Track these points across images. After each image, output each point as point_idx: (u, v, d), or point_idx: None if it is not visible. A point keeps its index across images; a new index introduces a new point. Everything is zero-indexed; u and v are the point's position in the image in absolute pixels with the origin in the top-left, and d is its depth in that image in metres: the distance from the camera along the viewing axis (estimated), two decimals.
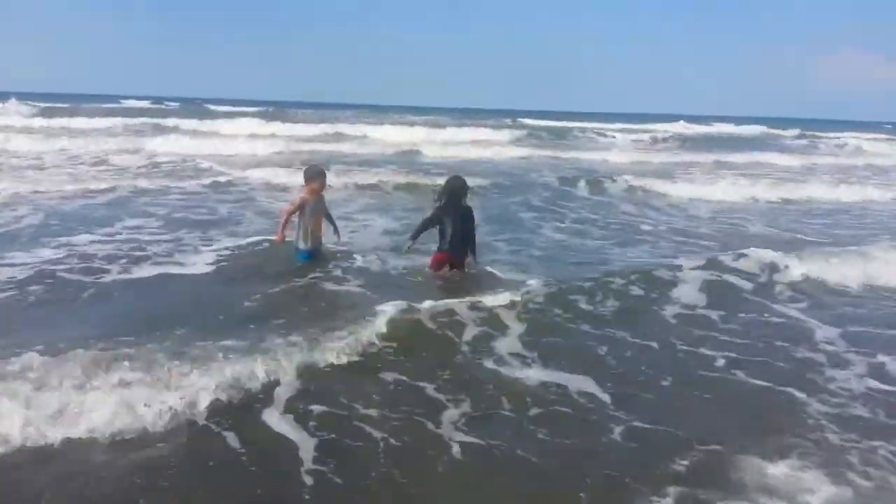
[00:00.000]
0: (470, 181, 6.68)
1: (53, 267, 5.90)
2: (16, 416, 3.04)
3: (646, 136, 33.47)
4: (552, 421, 3.56)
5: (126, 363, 3.56)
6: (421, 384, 3.83)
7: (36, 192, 9.83)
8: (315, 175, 6.10)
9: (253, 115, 34.58)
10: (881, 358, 4.56)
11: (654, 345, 4.65)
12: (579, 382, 3.99)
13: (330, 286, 5.62)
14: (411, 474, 3.02)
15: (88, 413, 3.15)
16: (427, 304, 4.79)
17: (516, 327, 4.81)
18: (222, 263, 6.25)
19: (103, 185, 10.65)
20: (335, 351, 4.01)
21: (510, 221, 9.41)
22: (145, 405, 3.20)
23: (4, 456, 2.91)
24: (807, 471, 3.06)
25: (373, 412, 3.48)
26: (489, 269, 6.31)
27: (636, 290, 5.74)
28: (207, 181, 11.58)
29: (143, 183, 10.99)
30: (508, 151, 21.61)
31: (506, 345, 4.51)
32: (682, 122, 54.19)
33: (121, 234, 7.54)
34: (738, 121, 66.81)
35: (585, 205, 11.31)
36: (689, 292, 5.73)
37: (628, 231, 9.31)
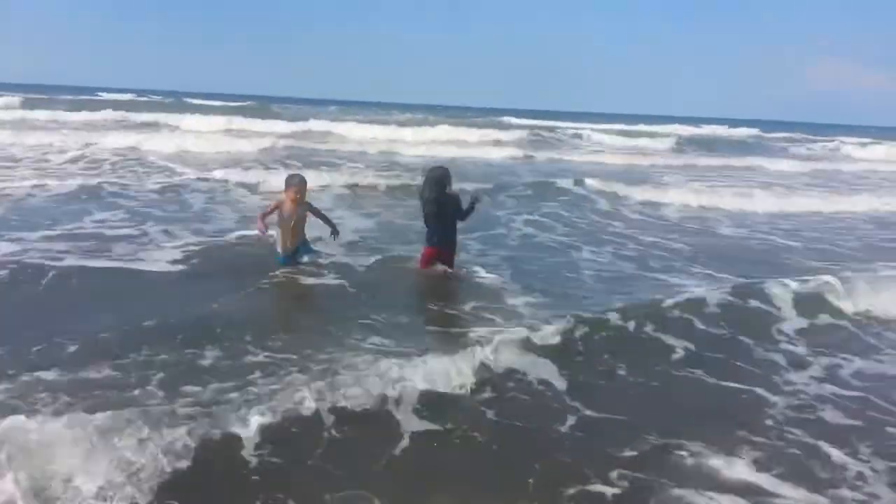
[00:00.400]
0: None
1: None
2: None
3: (643, 140, 32.59)
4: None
5: None
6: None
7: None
8: (292, 183, 6.13)
9: (232, 110, 34.01)
10: None
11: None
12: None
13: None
14: None
15: None
16: None
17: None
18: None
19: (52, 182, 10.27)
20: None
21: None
22: None
23: None
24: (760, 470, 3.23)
25: None
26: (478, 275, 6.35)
27: (716, 318, 5.34)
28: (156, 184, 10.89)
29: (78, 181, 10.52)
30: (494, 152, 21.49)
31: None
32: (675, 124, 54.16)
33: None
34: (731, 123, 67.46)
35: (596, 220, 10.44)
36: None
37: (652, 250, 8.28)
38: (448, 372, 3.89)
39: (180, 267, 6.10)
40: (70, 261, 5.99)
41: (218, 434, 3.08)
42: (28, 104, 31.26)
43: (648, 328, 4.93)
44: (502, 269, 6.65)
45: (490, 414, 3.64)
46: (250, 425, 3.15)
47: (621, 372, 4.33)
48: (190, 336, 4.36)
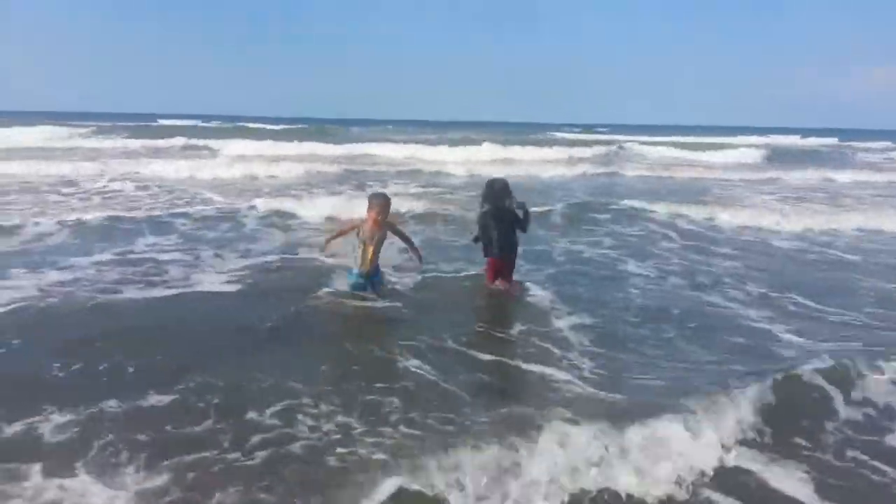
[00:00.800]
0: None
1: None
2: None
3: (716, 153, 31.32)
4: None
5: None
6: None
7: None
8: (375, 202, 5.94)
9: (286, 134, 35.31)
10: None
11: None
12: None
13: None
14: None
15: None
16: None
17: None
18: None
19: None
20: None
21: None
22: None
23: None
24: None
25: None
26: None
27: None
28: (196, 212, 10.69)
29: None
30: (561, 169, 21.02)
31: None
32: (740, 135, 52.93)
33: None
34: (802, 132, 65.86)
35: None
36: None
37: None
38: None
39: (232, 293, 6.25)
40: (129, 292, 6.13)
41: None
42: (100, 131, 34.04)
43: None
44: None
45: None
46: None
47: None
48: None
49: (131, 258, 7.43)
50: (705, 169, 23.56)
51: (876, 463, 3.51)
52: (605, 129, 72.32)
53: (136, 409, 3.74)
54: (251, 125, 51.05)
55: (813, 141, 50.18)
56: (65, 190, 13.45)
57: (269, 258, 7.64)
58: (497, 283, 6.38)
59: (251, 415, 3.68)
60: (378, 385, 4.16)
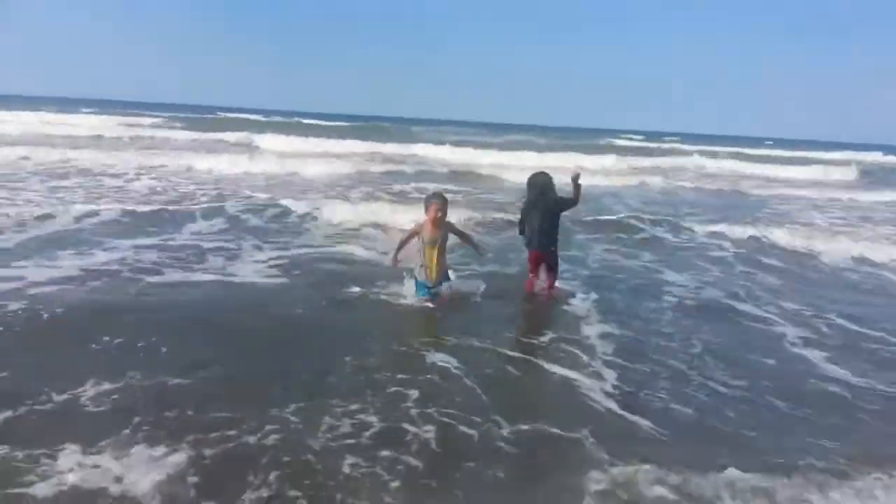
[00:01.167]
0: None
1: None
2: None
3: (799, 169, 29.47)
4: None
5: None
6: None
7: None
8: (433, 201, 5.94)
9: (339, 131, 35.95)
10: None
11: None
12: None
13: None
14: None
15: None
16: None
17: None
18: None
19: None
20: None
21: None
22: None
23: None
24: None
25: None
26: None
27: None
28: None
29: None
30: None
31: None
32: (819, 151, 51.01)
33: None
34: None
35: None
36: None
37: None
38: None
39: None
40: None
41: None
42: (163, 123, 35.78)
43: None
44: None
45: None
46: None
47: None
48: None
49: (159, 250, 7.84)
50: (799, 187, 21.84)
51: None
52: (675, 138, 70.43)
53: (163, 388, 4.01)
54: (307, 121, 52.26)
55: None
56: (110, 181, 14.04)
57: (300, 252, 7.93)
58: (539, 281, 6.57)
59: (272, 407, 3.86)
60: (400, 381, 4.32)
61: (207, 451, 3.31)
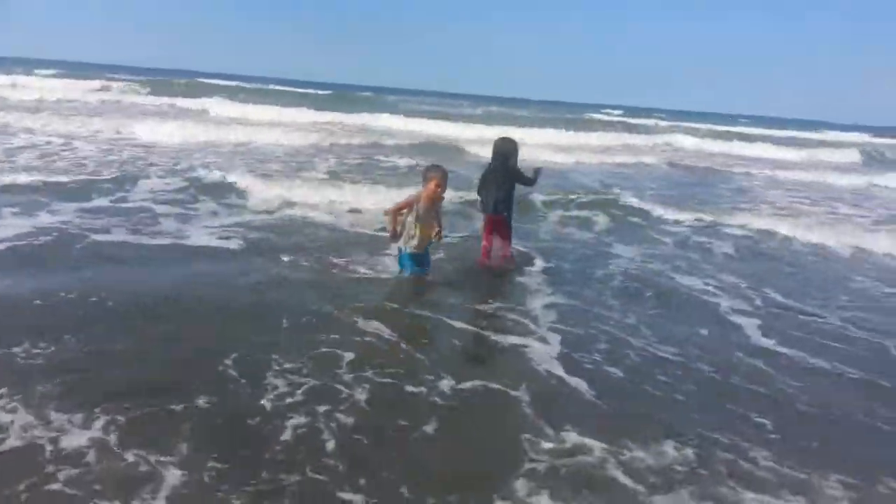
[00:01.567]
0: None
1: None
2: None
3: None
4: None
5: None
6: None
7: None
8: (434, 174, 5.82)
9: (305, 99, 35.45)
10: None
11: None
12: None
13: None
14: None
15: None
16: None
17: None
18: None
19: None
20: None
21: None
22: None
23: None
24: None
25: None
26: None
27: None
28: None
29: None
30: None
31: None
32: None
33: None
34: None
35: None
36: None
37: None
38: None
39: None
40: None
41: None
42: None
43: None
44: None
45: None
46: None
47: None
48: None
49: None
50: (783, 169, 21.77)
51: None
52: (661, 115, 69.88)
53: (105, 351, 4.18)
54: (282, 88, 51.37)
55: None
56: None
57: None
58: (495, 248, 6.84)
59: (217, 368, 4.07)
60: (334, 343, 4.56)
61: (144, 412, 3.49)
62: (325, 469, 3.14)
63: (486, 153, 7.22)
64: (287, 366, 4.13)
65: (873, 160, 29.98)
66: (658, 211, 10.87)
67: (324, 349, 4.44)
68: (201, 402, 3.62)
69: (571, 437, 3.58)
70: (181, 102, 27.48)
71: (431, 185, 5.77)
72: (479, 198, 6.93)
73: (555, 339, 4.98)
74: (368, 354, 4.42)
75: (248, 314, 5.01)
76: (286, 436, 3.38)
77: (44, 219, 7.31)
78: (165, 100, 28.51)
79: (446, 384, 4.08)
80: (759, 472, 3.42)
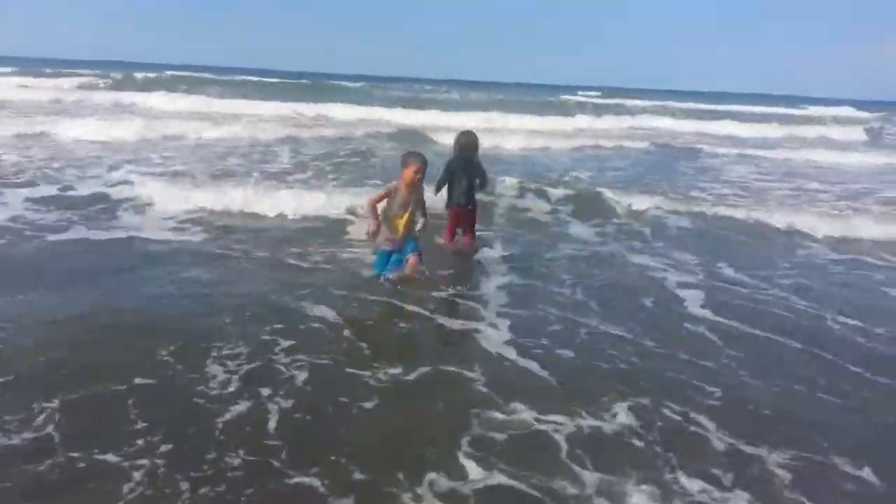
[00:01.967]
0: None
1: None
2: None
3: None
4: None
5: None
6: None
7: None
8: (413, 161, 5.72)
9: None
10: None
11: None
12: None
13: None
14: None
15: None
16: None
17: None
18: None
19: None
20: None
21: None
22: None
23: None
24: None
25: None
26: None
27: None
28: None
29: None
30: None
31: None
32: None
33: None
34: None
35: None
36: None
37: None
38: None
39: None
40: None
41: None
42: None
43: None
44: None
45: None
46: None
47: None
48: None
49: None
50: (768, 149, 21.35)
51: None
52: (640, 95, 69.02)
53: (41, 338, 4.34)
54: (250, 78, 50.70)
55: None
56: None
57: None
58: (456, 240, 7.06)
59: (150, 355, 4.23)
60: (276, 331, 4.71)
61: (87, 401, 3.63)
62: (268, 448, 3.30)
63: (444, 140, 7.32)
64: (227, 352, 4.28)
65: (880, 138, 29.85)
66: (618, 196, 10.65)
67: (265, 337, 4.59)
68: (142, 388, 3.78)
69: (520, 412, 3.77)
70: (136, 98, 26.97)
71: (410, 172, 5.65)
72: (439, 191, 7.02)
73: (505, 323, 5.14)
74: (310, 340, 4.58)
75: (189, 300, 5.13)
76: (228, 418, 3.54)
77: None
78: (124, 95, 27.96)
79: (387, 367, 4.24)
80: (701, 441, 3.63)
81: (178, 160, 12.74)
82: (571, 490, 3.12)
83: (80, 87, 33.10)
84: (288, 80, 49.15)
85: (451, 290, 5.86)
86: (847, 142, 26.72)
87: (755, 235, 9.05)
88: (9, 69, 45.25)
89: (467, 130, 7.22)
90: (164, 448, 3.24)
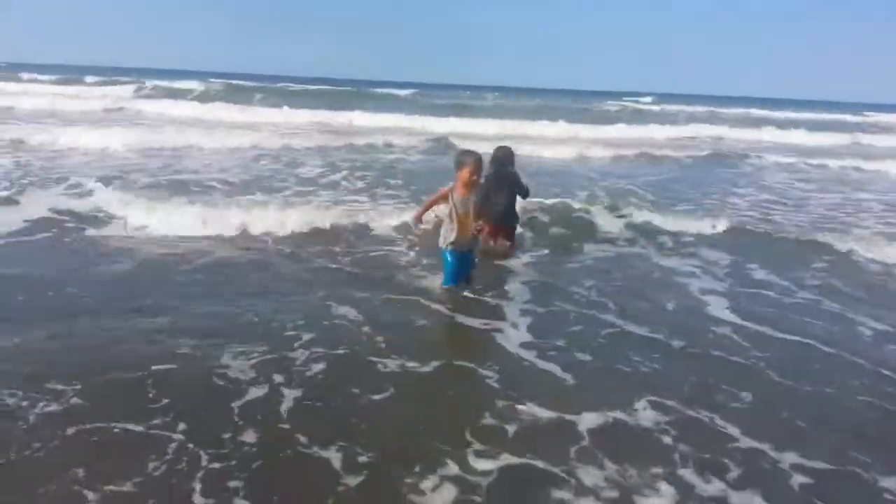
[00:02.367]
0: None
1: None
2: None
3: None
4: None
5: None
6: None
7: None
8: (468, 161, 5.69)
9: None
10: None
11: None
12: None
13: None
14: None
15: None
16: None
17: None
18: None
19: None
20: None
21: None
22: None
23: None
24: None
25: None
26: None
27: None
28: None
29: None
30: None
31: None
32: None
33: None
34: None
35: None
36: None
37: None
38: None
39: None
40: None
41: None
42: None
43: None
44: None
45: None
46: None
47: None
48: None
49: None
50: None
51: None
52: (697, 101, 65.40)
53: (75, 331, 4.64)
54: (283, 85, 51.36)
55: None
56: None
57: None
58: (494, 243, 7.21)
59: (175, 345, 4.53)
60: (297, 327, 4.96)
61: (108, 380, 3.93)
62: (281, 430, 3.53)
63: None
64: (245, 346, 4.51)
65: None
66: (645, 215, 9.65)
67: (287, 333, 4.82)
68: (161, 373, 4.06)
69: (533, 407, 3.90)
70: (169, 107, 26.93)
71: (465, 173, 5.67)
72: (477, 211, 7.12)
73: (525, 321, 5.30)
74: (329, 334, 4.81)
75: (214, 295, 5.41)
76: (244, 401, 3.79)
77: None
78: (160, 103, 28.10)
79: (408, 359, 4.45)
80: (728, 442, 3.68)
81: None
82: (584, 483, 3.22)
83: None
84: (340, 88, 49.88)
85: (473, 289, 5.99)
86: None
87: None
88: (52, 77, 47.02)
89: (501, 145, 7.47)
90: (181, 426, 3.48)
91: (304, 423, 3.61)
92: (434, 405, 3.94)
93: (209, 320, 5.00)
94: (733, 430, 3.80)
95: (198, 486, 3.02)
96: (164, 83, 43.62)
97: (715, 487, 3.26)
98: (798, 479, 3.37)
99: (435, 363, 4.45)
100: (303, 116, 25.59)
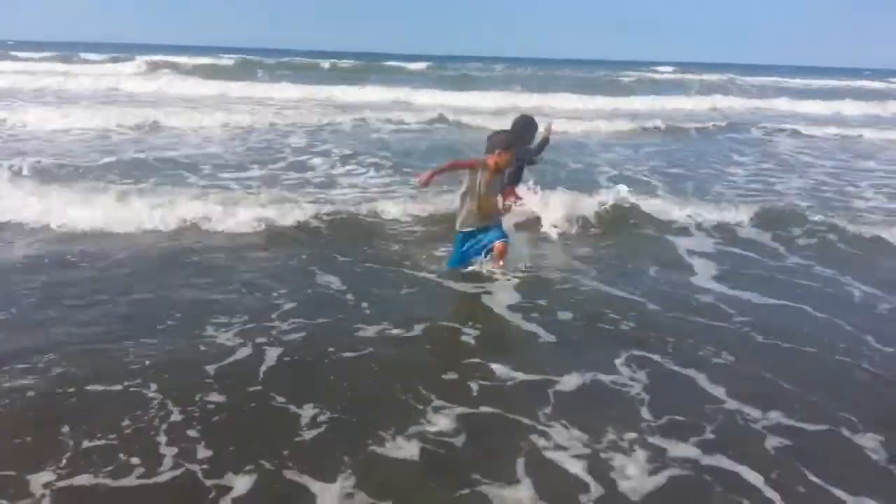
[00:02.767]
0: None
1: None
2: None
3: None
4: None
5: None
6: None
7: None
8: (499, 144, 5.56)
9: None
10: None
11: None
12: None
13: None
14: None
15: None
16: None
17: None
18: None
19: None
20: None
21: None
22: None
23: None
24: None
25: None
26: None
27: None
28: None
29: None
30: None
31: None
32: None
33: None
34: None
35: None
36: None
37: None
38: None
39: None
40: None
41: None
42: None
43: None
44: None
45: None
46: None
47: None
48: None
49: None
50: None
51: None
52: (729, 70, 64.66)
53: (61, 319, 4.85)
54: (297, 59, 51.17)
55: None
56: None
57: None
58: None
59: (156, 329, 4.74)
60: (282, 295, 5.14)
61: (88, 350, 4.11)
62: (257, 391, 3.70)
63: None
64: (227, 316, 4.68)
65: None
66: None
67: (270, 301, 4.99)
68: (144, 345, 4.22)
69: (510, 369, 4.04)
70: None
71: (502, 160, 5.54)
72: None
73: (511, 284, 5.46)
74: (312, 301, 5.00)
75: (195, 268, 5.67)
76: (223, 364, 3.96)
77: None
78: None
79: (390, 323, 4.62)
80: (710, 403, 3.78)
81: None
82: (553, 440, 3.33)
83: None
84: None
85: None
86: None
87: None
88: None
89: (523, 114, 7.63)
90: (154, 386, 3.67)
91: (281, 382, 3.79)
92: (413, 365, 4.08)
93: (188, 294, 5.15)
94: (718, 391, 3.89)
95: (163, 439, 3.22)
96: (174, 58, 43.19)
97: (688, 448, 3.31)
98: (776, 440, 3.43)
99: (416, 325, 4.60)
100: (294, 92, 25.32)
